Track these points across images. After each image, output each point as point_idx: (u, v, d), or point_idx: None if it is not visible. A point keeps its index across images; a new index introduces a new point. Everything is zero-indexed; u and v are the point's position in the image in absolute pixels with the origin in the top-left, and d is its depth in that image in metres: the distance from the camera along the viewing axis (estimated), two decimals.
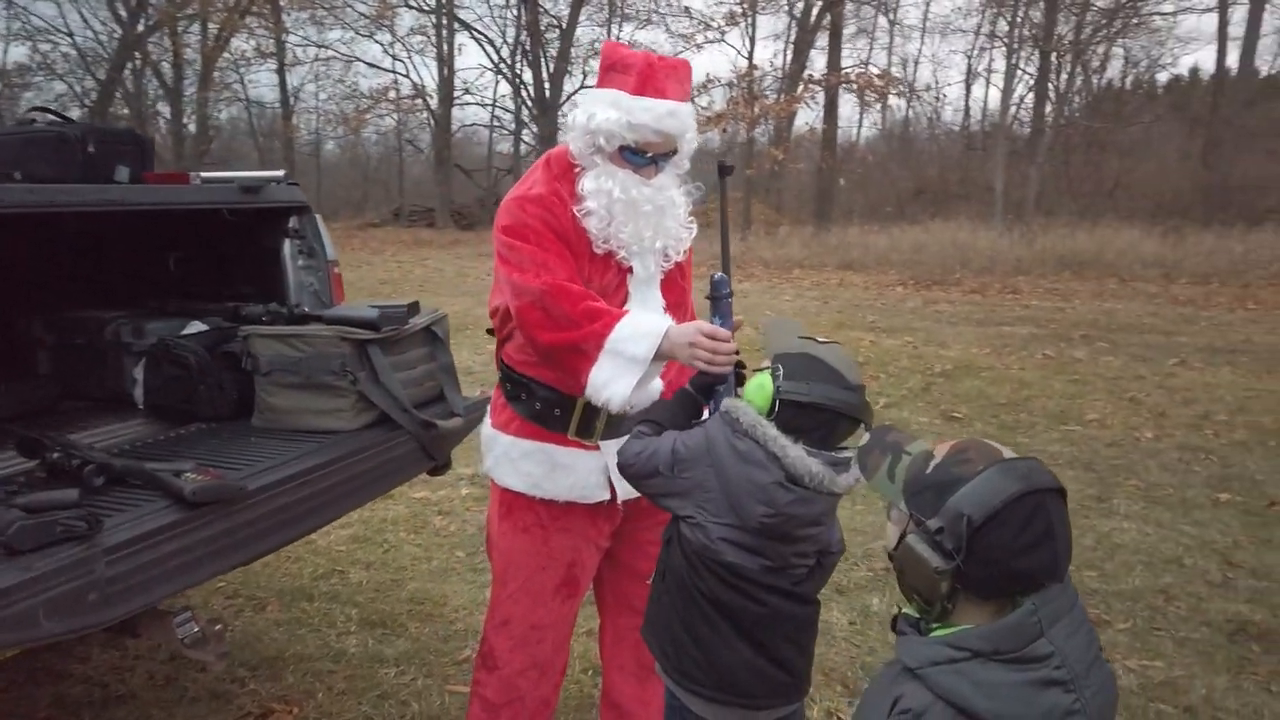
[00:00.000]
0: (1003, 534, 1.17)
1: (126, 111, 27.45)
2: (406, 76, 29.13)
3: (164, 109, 29.28)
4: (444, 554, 4.11)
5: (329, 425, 2.51)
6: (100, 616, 1.73)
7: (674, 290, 2.19)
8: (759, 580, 1.68)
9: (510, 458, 2.16)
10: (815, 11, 22.27)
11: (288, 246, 3.12)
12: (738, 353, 1.85)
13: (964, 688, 1.16)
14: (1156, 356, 8.53)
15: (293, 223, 3.13)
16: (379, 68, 28.76)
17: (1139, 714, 2.87)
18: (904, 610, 1.31)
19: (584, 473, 2.13)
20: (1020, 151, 22.09)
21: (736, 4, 21.80)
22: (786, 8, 22.48)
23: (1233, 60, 23.48)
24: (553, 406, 2.10)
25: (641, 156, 2.00)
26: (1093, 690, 1.19)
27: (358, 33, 27.25)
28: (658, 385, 2.08)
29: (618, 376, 1.88)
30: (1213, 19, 24.59)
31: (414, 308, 2.87)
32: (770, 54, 36.05)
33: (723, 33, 21.79)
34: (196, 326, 2.88)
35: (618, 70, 1.99)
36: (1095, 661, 1.22)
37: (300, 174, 23.71)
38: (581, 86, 25.69)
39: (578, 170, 2.03)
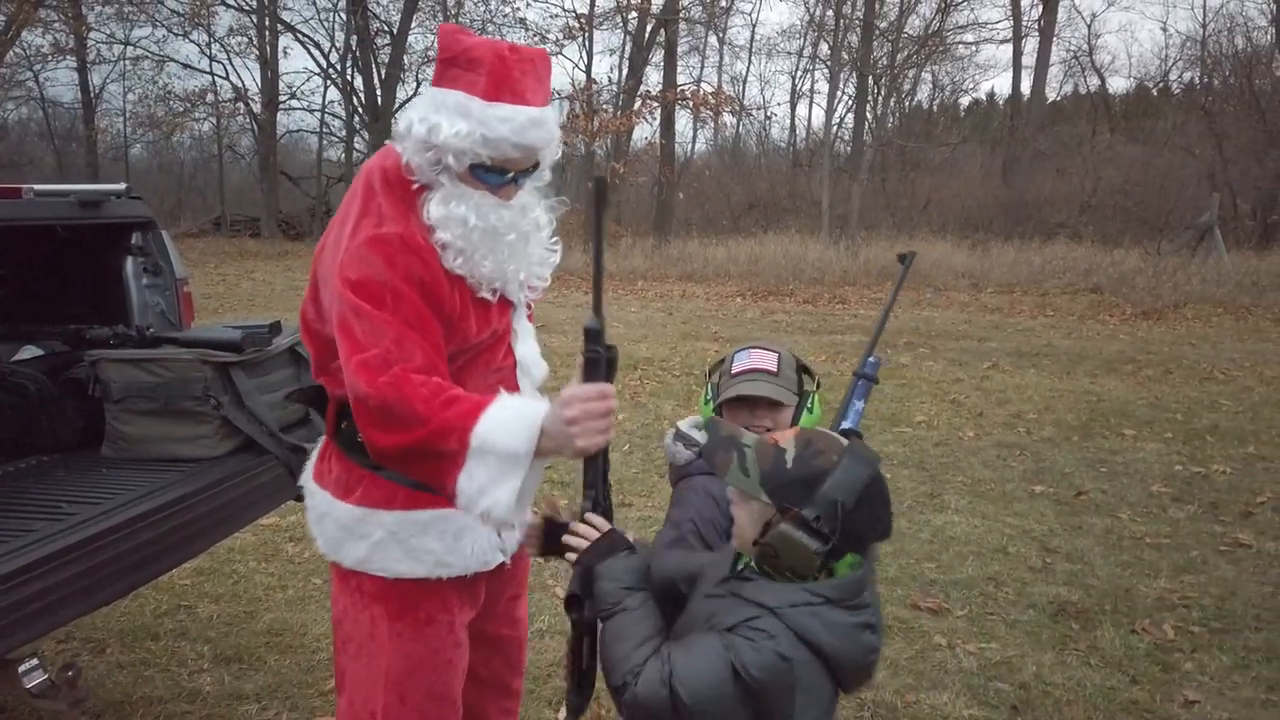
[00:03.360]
0: (865, 512, 1.39)
1: None
2: (225, 79, 27.57)
3: None
4: (300, 581, 3.95)
5: (191, 453, 2.40)
6: None
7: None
8: None
9: (401, 539, 1.72)
10: (649, 29, 22.76)
11: (130, 264, 2.95)
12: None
13: (815, 625, 1.38)
14: (971, 361, 9.23)
15: (136, 239, 2.96)
16: (195, 69, 27.15)
17: (980, 693, 3.13)
18: (748, 562, 1.47)
19: (485, 533, 1.77)
20: (843, 169, 23.38)
21: (573, 18, 22.01)
22: (622, 24, 22.88)
23: (1025, 87, 25.80)
24: None
25: (499, 175, 1.65)
26: (880, 635, 1.49)
27: (170, 31, 25.72)
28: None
29: (496, 481, 1.51)
30: (1008, 48, 26.86)
31: (276, 327, 2.77)
32: (607, 68, 36.64)
33: (560, 46, 21.91)
34: (31, 351, 2.67)
35: (462, 66, 1.61)
36: (879, 613, 1.51)
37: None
38: (415, 94, 25.19)
39: (416, 189, 1.65)
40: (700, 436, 1.87)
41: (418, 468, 1.55)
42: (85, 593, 1.91)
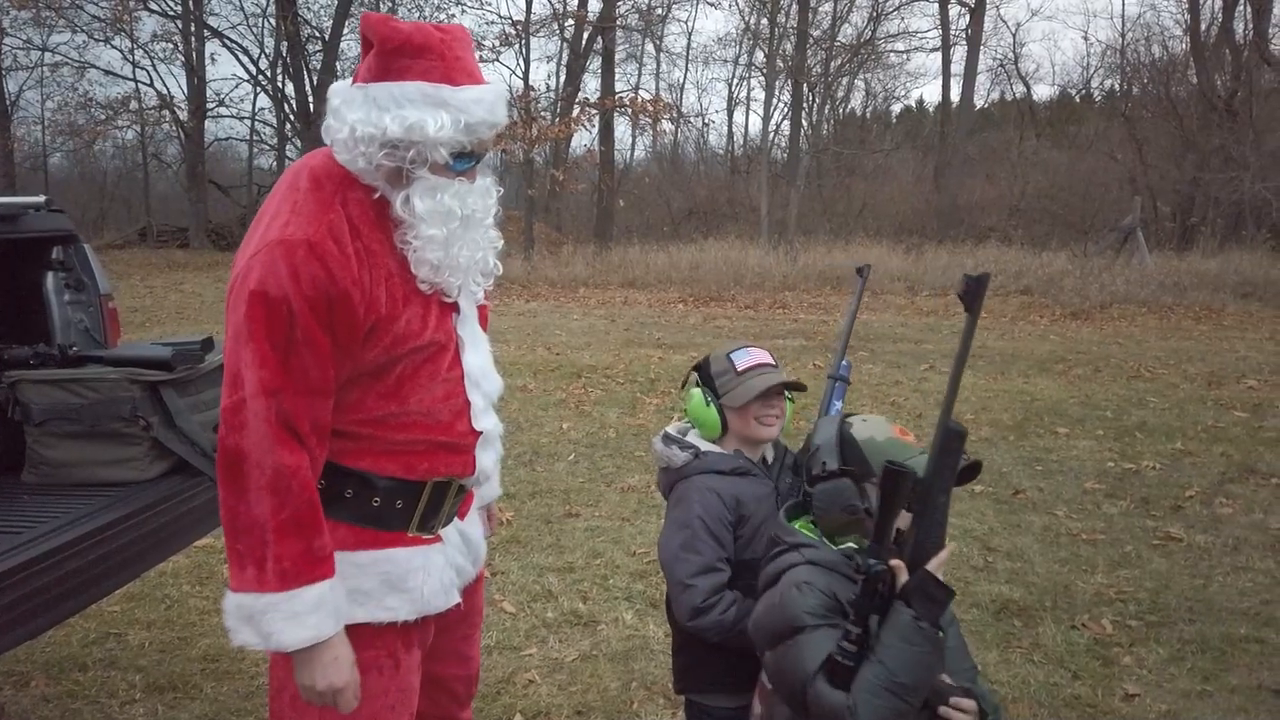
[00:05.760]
0: None
1: None
2: (150, 86, 26.79)
3: None
4: None
5: (119, 476, 2.30)
6: None
7: (481, 319, 1.82)
8: None
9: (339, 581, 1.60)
10: (586, 36, 22.77)
11: (51, 280, 2.82)
12: None
13: None
14: (909, 363, 9.38)
15: (56, 254, 2.84)
16: (118, 75, 26.31)
17: None
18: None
19: (436, 576, 1.68)
20: (780, 175, 23.66)
21: (509, 25, 21.91)
22: (559, 31, 22.85)
23: (955, 94, 26.43)
24: (395, 498, 1.62)
25: (472, 160, 1.60)
26: None
27: (91, 36, 24.91)
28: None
29: (258, 624, 1.51)
30: (938, 57, 27.49)
31: (208, 343, 2.68)
32: (544, 75, 36.63)
33: (497, 54, 21.79)
34: None
35: (409, 55, 1.51)
36: None
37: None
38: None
39: (377, 193, 1.56)
40: (695, 439, 2.01)
41: (227, 527, 1.51)
42: (7, 627, 1.81)
